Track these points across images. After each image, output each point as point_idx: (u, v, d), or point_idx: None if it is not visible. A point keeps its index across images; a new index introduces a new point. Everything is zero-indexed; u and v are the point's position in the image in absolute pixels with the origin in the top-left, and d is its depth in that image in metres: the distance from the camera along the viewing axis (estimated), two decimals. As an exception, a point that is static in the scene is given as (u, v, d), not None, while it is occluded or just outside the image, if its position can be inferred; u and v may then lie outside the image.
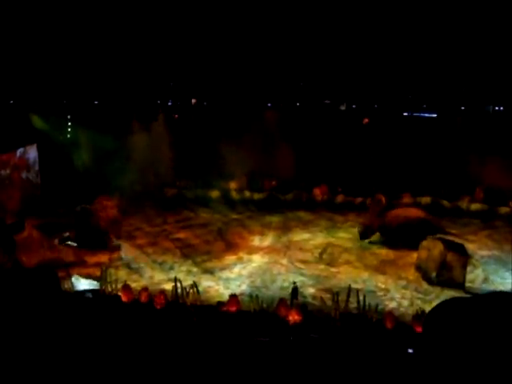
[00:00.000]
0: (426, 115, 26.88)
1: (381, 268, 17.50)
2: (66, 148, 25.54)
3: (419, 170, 24.72)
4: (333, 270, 17.37)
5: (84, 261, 17.67)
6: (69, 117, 26.75)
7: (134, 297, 14.28)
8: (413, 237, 18.74)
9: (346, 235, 20.75)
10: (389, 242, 19.45)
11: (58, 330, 12.26)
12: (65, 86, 25.20)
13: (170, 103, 28.25)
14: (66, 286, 14.72)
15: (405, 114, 26.94)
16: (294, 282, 14.76)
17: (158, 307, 13.78)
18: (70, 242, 19.01)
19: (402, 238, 19.23)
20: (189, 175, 26.90)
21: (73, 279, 15.63)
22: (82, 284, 15.65)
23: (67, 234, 19.43)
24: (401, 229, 19.39)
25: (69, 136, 26.70)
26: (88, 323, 13.10)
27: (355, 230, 20.54)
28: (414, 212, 20.13)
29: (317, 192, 25.47)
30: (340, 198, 24.89)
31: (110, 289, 14.73)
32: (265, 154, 26.48)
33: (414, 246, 17.40)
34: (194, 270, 17.24)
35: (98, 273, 15.59)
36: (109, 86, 25.57)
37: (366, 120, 27.17)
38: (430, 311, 4.87)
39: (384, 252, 19.01)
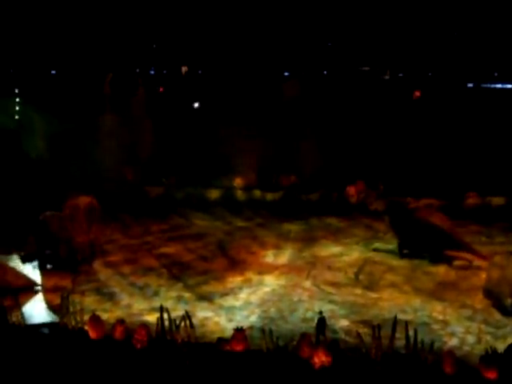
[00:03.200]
0: (499, 87, 26.83)
1: (437, 293, 17.46)
2: (14, 134, 25.72)
3: (490, 161, 24.71)
4: (373, 295, 17.33)
5: (38, 285, 17.75)
6: (17, 91, 26.91)
7: (106, 332, 14.32)
8: (424, 245, 20.01)
9: (389, 248, 20.78)
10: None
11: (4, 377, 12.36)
12: (11, 50, 25.35)
13: (152, 72, 28.37)
14: (14, 319, 14.78)
15: (469, 85, 26.90)
16: (321, 312, 14.74)
17: (139, 346, 13.80)
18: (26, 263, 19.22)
19: (410, 242, 20.30)
20: (179, 169, 26.99)
21: (24, 309, 15.69)
22: (37, 315, 15.71)
23: (22, 252, 19.65)
24: (410, 231, 20.28)
25: (18, 117, 26.87)
26: (44, 367, 13.16)
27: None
28: (435, 218, 20.53)
29: (351, 191, 25.47)
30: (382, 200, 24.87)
31: (73, 322, 14.75)
32: (281, 142, 26.54)
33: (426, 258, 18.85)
34: (187, 295, 17.23)
35: (57, 300, 15.65)
36: (70, 49, 25.69)
37: (417, 93, 27.16)
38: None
39: (441, 271, 19.02)
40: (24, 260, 19.32)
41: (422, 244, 20.04)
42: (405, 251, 20.28)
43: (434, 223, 20.15)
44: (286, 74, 27.90)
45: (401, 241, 20.43)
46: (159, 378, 12.96)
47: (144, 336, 13.82)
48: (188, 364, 13.15)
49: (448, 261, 19.65)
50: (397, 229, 20.57)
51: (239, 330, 13.85)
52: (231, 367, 13.18)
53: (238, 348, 13.59)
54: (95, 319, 14.46)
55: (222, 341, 13.93)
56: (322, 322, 14.39)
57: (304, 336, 13.72)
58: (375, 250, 20.68)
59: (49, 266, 19.04)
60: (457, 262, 19.58)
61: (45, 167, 24.48)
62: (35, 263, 19.26)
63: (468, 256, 19.56)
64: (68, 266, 18.79)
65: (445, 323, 15.60)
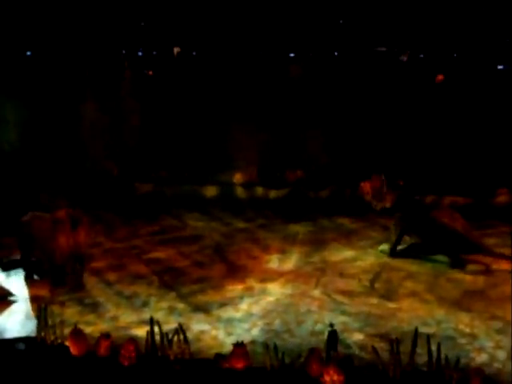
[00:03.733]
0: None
1: (464, 302, 17.47)
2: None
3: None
4: (390, 305, 17.36)
5: (12, 294, 17.79)
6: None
7: (89, 347, 14.34)
8: (439, 248, 20.26)
9: (410, 252, 20.83)
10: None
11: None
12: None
13: (140, 53, 28.36)
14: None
15: (499, 67, 26.86)
16: (332, 325, 14.76)
17: (126, 363, 13.83)
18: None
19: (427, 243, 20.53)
20: (171, 163, 27.00)
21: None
22: (11, 329, 15.75)
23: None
24: (425, 231, 20.48)
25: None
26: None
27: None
28: (455, 220, 20.68)
29: (366, 187, 25.39)
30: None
31: (52, 336, 14.80)
32: (285, 132, 26.53)
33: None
34: (180, 306, 17.27)
35: (34, 312, 15.68)
36: (48, 27, 25.71)
37: (440, 77, 27.14)
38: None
39: (468, 278, 19.02)
40: (5, 268, 19.29)
41: (437, 246, 20.27)
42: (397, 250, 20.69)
43: (447, 224, 20.32)
44: (292, 55, 27.85)
45: (397, 240, 20.66)
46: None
47: (132, 352, 13.85)
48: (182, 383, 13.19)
49: (461, 265, 19.79)
50: (409, 228, 20.68)
51: (239, 345, 13.87)
52: (231, 387, 13.24)
53: (239, 365, 13.61)
54: (77, 333, 14.49)
55: (220, 357, 13.96)
56: (333, 335, 14.41)
57: (313, 351, 13.74)
58: (382, 251, 20.82)
59: (36, 277, 18.98)
60: (471, 267, 19.70)
61: (20, 161, 24.54)
62: (14, 271, 19.33)
63: (487, 259, 19.78)
64: (53, 277, 18.69)
65: (472, 337, 15.57)
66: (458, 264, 19.69)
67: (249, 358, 13.75)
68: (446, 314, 16.71)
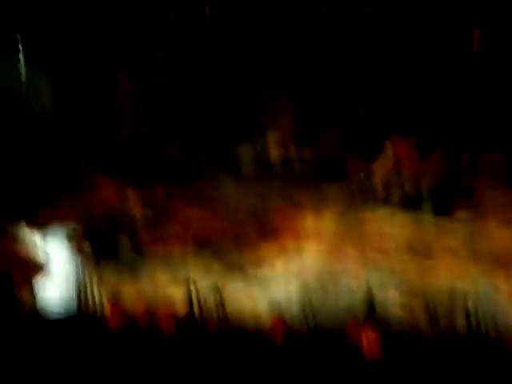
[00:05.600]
0: None
1: (501, 259, 17.48)
2: (22, 98, 25.91)
3: None
4: (426, 262, 17.52)
5: (48, 263, 18.02)
6: (20, 47, 27.06)
7: (128, 317, 14.42)
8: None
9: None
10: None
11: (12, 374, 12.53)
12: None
13: (172, 15, 28.31)
14: (24, 298, 14.92)
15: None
16: (367, 282, 14.80)
17: (165, 331, 13.92)
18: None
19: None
20: (204, 125, 27.06)
21: (35, 289, 15.75)
22: (49, 296, 15.87)
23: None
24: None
25: (24, 80, 27.04)
26: (59, 361, 13.33)
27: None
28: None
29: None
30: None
31: (90, 305, 14.89)
32: (321, 90, 26.44)
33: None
34: (215, 265, 17.65)
35: (71, 280, 15.90)
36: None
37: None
38: None
39: (507, 234, 18.93)
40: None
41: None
42: None
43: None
44: (324, 10, 27.59)
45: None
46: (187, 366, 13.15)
47: (170, 320, 13.95)
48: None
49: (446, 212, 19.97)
50: None
51: (278, 320, 13.95)
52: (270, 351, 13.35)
53: (277, 335, 13.72)
54: (115, 303, 14.61)
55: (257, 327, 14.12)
56: (368, 293, 14.45)
57: (348, 309, 13.80)
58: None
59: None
60: (460, 214, 19.83)
61: (54, 132, 24.73)
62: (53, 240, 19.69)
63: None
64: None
65: (510, 293, 15.64)
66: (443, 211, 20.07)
67: (286, 326, 13.87)
68: (483, 271, 16.76)
